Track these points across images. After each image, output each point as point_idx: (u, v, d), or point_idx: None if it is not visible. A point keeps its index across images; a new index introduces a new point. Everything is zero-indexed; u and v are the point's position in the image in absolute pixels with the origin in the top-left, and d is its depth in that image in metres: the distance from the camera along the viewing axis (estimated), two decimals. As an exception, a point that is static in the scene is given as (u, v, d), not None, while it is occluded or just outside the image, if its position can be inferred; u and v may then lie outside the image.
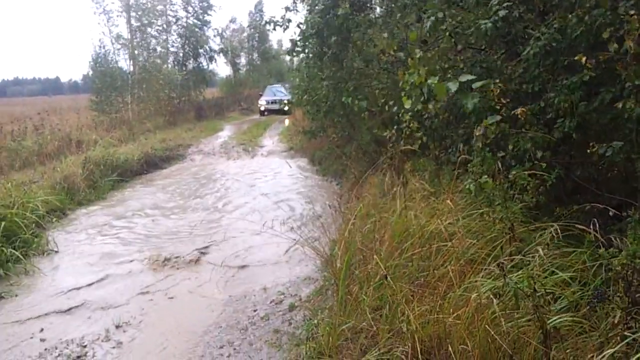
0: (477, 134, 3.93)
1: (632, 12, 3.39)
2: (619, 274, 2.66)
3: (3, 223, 6.80)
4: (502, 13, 4.43)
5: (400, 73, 4.61)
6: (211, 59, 30.80)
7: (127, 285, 5.70)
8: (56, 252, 6.86)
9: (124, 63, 21.69)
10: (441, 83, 3.79)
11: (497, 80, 4.55)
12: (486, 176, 4.13)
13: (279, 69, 38.91)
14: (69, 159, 11.55)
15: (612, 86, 3.70)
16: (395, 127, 6.16)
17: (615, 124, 3.78)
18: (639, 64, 3.24)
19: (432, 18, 4.97)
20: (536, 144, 3.98)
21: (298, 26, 9.70)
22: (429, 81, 3.89)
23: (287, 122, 22.25)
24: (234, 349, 4.25)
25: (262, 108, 29.03)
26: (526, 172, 3.97)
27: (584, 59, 3.72)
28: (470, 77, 3.81)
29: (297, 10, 9.71)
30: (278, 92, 29.32)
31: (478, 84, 3.85)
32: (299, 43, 9.73)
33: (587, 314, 2.62)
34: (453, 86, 3.74)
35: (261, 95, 30.78)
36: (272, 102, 28.70)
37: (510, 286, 2.60)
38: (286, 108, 24.76)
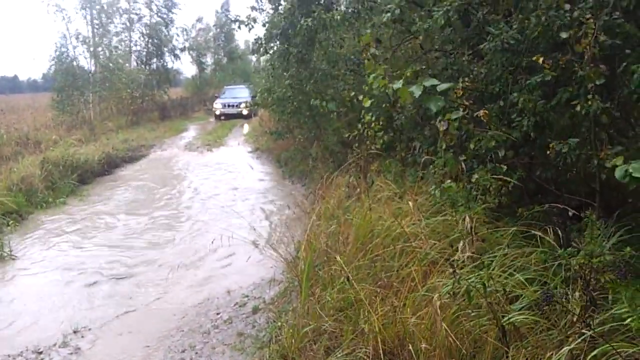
0: (441, 129, 3.95)
1: (587, 15, 3.48)
2: (577, 273, 2.71)
3: (-47, 226, 6.53)
4: (455, 4, 4.47)
5: (373, 75, 4.61)
6: (176, 56, 30.19)
7: (87, 292, 5.53)
8: (13, 258, 6.60)
9: (85, 61, 21.12)
10: (405, 87, 3.80)
11: (466, 79, 4.61)
12: (450, 180, 4.17)
13: (245, 69, 38.58)
14: (26, 159, 11.16)
15: (570, 86, 3.78)
16: (361, 126, 6.17)
17: (573, 124, 3.86)
18: (596, 65, 3.31)
19: (389, 14, 5.00)
20: (497, 143, 4.03)
21: (263, 25, 9.65)
22: (394, 86, 3.90)
23: (246, 127, 21.34)
24: (196, 353, 4.16)
25: (218, 112, 25.63)
26: (488, 174, 4.02)
27: (541, 59, 3.79)
28: (435, 81, 3.82)
29: (262, 9, 9.66)
30: (238, 94, 26.16)
31: (443, 87, 3.87)
32: (263, 42, 9.67)
33: (547, 312, 2.65)
34: (417, 90, 3.75)
35: (217, 97, 27.54)
36: (229, 106, 25.48)
37: (462, 284, 2.62)
38: (245, 112, 23.78)
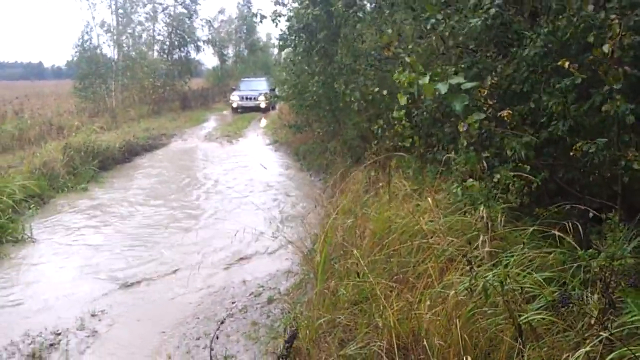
0: (461, 130, 3.93)
1: (612, 16, 3.42)
2: (597, 275, 2.69)
3: (-23, 206, 6.68)
4: (492, 11, 4.43)
5: (398, 66, 4.59)
6: (198, 48, 30.30)
7: (104, 277, 5.61)
8: (33, 241, 6.72)
9: (109, 50, 21.37)
10: (431, 84, 3.77)
11: (495, 76, 4.57)
12: (471, 179, 4.15)
13: (266, 61, 38.68)
14: (49, 144, 11.36)
15: (601, 88, 3.72)
16: (382, 122, 6.15)
17: (603, 126, 3.80)
18: (619, 67, 3.26)
19: (432, 20, 4.98)
20: (521, 145, 3.99)
21: (288, 20, 9.65)
22: (420, 81, 3.87)
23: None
24: (211, 340, 4.20)
25: (235, 105, 25.07)
26: (511, 173, 3.99)
27: (567, 64, 3.73)
28: (461, 79, 3.79)
29: (283, 4, 9.66)
30: (256, 86, 25.92)
31: (468, 86, 3.84)
32: (287, 37, 9.68)
33: (565, 313, 2.63)
34: (443, 88, 3.72)
35: (234, 89, 27.12)
36: (247, 98, 24.94)
37: (479, 281, 2.61)
38: (263, 105, 23.62)
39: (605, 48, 3.34)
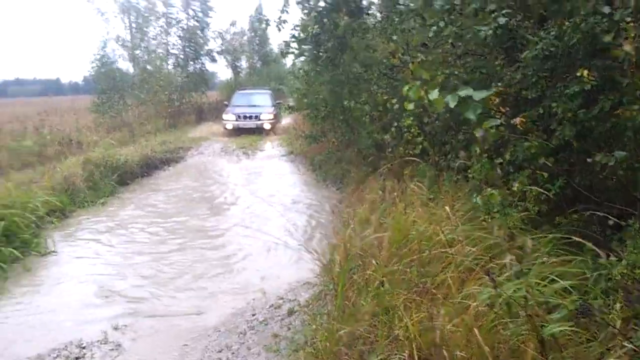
0: (477, 135, 3.92)
1: (628, 19, 3.41)
2: (619, 283, 2.67)
3: (2, 222, 6.81)
4: (502, 20, 4.44)
5: (407, 75, 4.62)
6: (212, 59, 30.53)
7: (125, 290, 5.68)
8: (54, 253, 6.86)
9: (124, 64, 21.70)
10: (439, 96, 3.77)
11: (499, 84, 4.56)
12: (487, 187, 4.13)
13: (279, 72, 38.88)
14: (69, 159, 11.54)
15: (612, 93, 3.71)
16: (394, 130, 6.17)
17: (614, 132, 3.78)
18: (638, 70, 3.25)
19: (434, 28, 4.99)
20: (535, 151, 3.98)
21: (294, 29, 9.74)
22: (430, 96, 3.87)
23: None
24: (232, 353, 4.24)
25: (229, 126, 19.02)
26: (527, 180, 3.98)
27: (585, 72, 3.72)
28: (470, 91, 3.79)
29: (287, 12, 9.75)
30: (256, 100, 20.64)
31: (479, 96, 3.83)
32: (292, 45, 9.75)
33: (587, 323, 2.61)
34: (452, 101, 3.71)
35: (227, 105, 21.16)
36: (245, 117, 19.18)
37: (502, 296, 2.59)
38: (268, 125, 18.87)
39: (627, 47, 3.32)
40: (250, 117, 19.10)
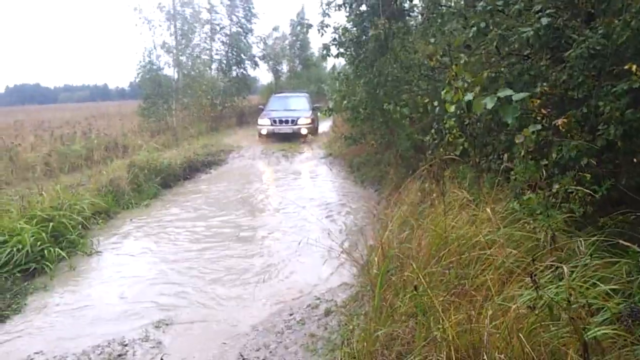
0: (517, 141, 3.86)
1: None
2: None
3: (51, 224, 7.08)
4: (544, 21, 4.35)
5: (449, 76, 4.57)
6: (255, 64, 30.95)
7: (166, 290, 5.82)
8: (99, 253, 7.11)
9: (169, 70, 22.18)
10: (479, 99, 3.72)
11: (544, 84, 4.46)
12: (528, 189, 4.05)
13: (319, 75, 39.06)
14: (114, 163, 11.92)
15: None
16: (435, 132, 6.11)
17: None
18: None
19: (474, 28, 4.93)
20: (580, 152, 3.88)
21: (335, 32, 9.78)
22: (466, 97, 3.83)
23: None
24: (270, 352, 4.28)
25: (264, 131, 18.38)
26: (572, 181, 3.88)
27: (634, 67, 3.61)
28: (509, 92, 3.73)
29: (328, 15, 9.79)
30: (293, 104, 19.91)
31: (518, 97, 3.76)
32: (332, 47, 9.79)
33: (632, 326, 2.52)
34: (490, 103, 3.65)
35: (262, 109, 20.57)
36: (282, 122, 18.45)
37: (544, 298, 2.53)
38: (305, 130, 18.22)
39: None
40: (287, 122, 18.40)
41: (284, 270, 6.18)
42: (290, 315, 4.96)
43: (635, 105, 3.81)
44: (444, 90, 4.05)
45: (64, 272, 6.42)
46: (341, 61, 11.12)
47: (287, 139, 17.95)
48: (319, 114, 17.23)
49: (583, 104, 4.25)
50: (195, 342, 4.55)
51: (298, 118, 18.43)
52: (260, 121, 18.82)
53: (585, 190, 3.81)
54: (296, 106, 19.59)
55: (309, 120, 18.63)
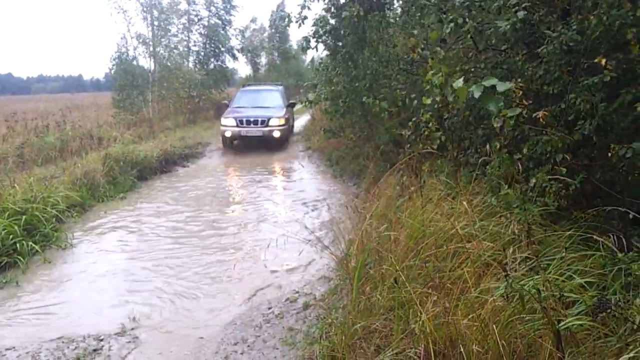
0: (495, 126, 3.88)
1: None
2: (638, 278, 2.62)
3: (24, 217, 6.93)
4: (520, 15, 4.38)
5: (427, 69, 4.59)
6: (233, 57, 30.67)
7: (142, 283, 5.76)
8: (73, 246, 7.00)
9: (145, 61, 21.85)
10: (464, 86, 3.74)
11: (519, 80, 4.51)
12: (505, 183, 4.09)
13: (298, 69, 38.99)
14: (89, 155, 11.70)
15: (634, 88, 3.64)
16: (412, 126, 6.14)
17: (636, 127, 3.72)
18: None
19: (452, 24, 4.95)
20: (555, 146, 3.93)
21: (314, 24, 9.73)
22: (454, 84, 3.85)
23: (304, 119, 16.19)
24: (248, 346, 4.26)
25: (228, 133, 15.07)
26: (547, 176, 3.93)
27: (603, 61, 3.67)
28: (495, 81, 3.76)
29: (309, 8, 9.74)
30: (264, 101, 16.65)
31: (503, 88, 3.79)
32: (311, 40, 9.75)
33: (606, 319, 2.57)
34: (477, 91, 3.67)
35: (227, 105, 17.28)
36: (249, 122, 15.04)
37: (515, 288, 2.57)
38: (277, 133, 14.95)
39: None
40: (256, 123, 14.99)
41: (260, 264, 6.15)
42: (269, 309, 4.95)
43: (608, 100, 3.87)
44: (429, 73, 4.06)
45: (37, 265, 6.29)
46: (321, 53, 11.07)
47: (256, 147, 15.14)
48: (299, 105, 16.00)
49: (559, 99, 4.31)
50: (173, 337, 4.50)
51: (269, 118, 15.08)
52: (223, 121, 15.29)
53: (558, 185, 3.86)
54: (268, 103, 16.49)
55: (282, 121, 15.34)
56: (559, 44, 4.12)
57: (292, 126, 18.20)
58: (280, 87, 18.58)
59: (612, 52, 3.93)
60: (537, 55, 4.70)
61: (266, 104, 16.27)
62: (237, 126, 14.97)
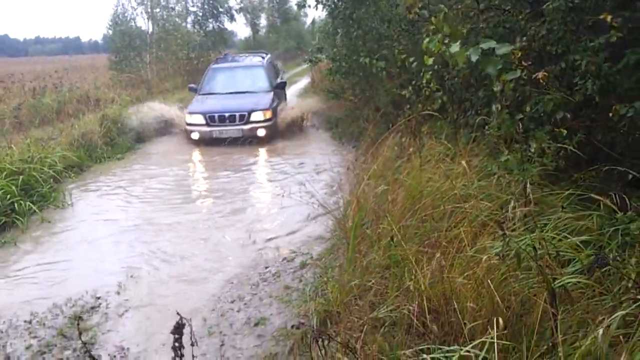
0: (495, 89, 3.81)
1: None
2: (636, 238, 2.61)
3: (22, 177, 6.92)
4: None
5: (428, 29, 4.47)
6: (232, 17, 30.12)
7: (141, 241, 5.77)
8: (71, 205, 7.03)
9: (143, 22, 21.48)
10: (462, 50, 3.64)
11: (524, 39, 4.41)
12: (504, 144, 4.04)
13: (299, 31, 38.37)
14: (87, 116, 11.61)
15: (639, 48, 3.55)
16: (412, 87, 6.06)
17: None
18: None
19: None
20: (556, 105, 3.86)
21: None
22: (451, 49, 3.74)
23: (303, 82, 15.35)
24: (245, 303, 4.29)
25: (196, 135, 10.77)
26: (547, 136, 3.88)
27: (609, 17, 3.56)
28: (493, 43, 3.65)
29: None
30: (243, 83, 12.10)
31: (502, 51, 3.69)
32: None
33: (601, 277, 2.57)
34: (474, 54, 3.57)
35: (194, 89, 12.68)
36: (223, 119, 10.73)
37: (512, 247, 2.56)
38: (262, 132, 10.66)
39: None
40: (232, 119, 10.72)
41: (258, 224, 6.15)
42: (266, 268, 4.97)
43: (612, 60, 3.78)
44: (426, 40, 3.96)
45: (36, 225, 6.31)
46: (321, 15, 10.84)
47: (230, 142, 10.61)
48: (304, 65, 13.17)
49: (561, 59, 4.22)
50: (170, 295, 4.53)
51: (250, 111, 10.75)
52: (188, 118, 11.05)
53: (556, 144, 3.82)
54: (249, 85, 12.03)
55: (269, 114, 10.97)
56: (564, 1, 4.00)
57: (279, 115, 11.80)
58: (266, 61, 13.55)
59: (618, 10, 3.82)
60: (540, 14, 4.58)
61: (246, 88, 11.90)
62: (207, 124, 10.73)
